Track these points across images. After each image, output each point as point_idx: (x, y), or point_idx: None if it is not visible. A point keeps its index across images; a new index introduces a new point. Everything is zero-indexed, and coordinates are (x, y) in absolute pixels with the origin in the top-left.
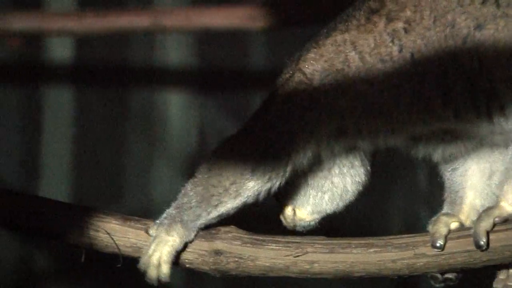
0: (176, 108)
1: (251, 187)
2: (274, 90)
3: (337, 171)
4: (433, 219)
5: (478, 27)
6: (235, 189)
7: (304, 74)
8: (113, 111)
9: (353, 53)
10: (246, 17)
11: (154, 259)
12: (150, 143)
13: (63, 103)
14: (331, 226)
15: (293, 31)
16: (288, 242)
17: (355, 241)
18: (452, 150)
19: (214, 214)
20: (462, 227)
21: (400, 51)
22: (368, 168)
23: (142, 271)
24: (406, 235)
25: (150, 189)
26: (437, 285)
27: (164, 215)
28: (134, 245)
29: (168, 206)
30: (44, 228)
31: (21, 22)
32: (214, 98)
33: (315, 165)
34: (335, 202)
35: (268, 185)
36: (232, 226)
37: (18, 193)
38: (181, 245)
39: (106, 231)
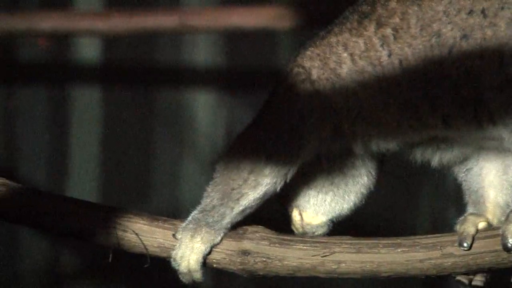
0: (204, 108)
1: (268, 173)
2: (276, 83)
3: (337, 171)
4: (460, 219)
5: (464, 37)
6: (253, 178)
7: (303, 67)
8: (140, 111)
9: (345, 55)
10: (273, 16)
11: (183, 267)
12: (178, 142)
13: (91, 103)
14: (358, 226)
15: (320, 30)
16: (315, 242)
17: (382, 241)
18: (449, 156)
19: (237, 209)
20: (489, 226)
21: (389, 56)
22: (372, 170)
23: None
24: (433, 235)
25: (177, 189)
26: None
27: (190, 218)
28: (162, 245)
29: (194, 208)
30: (72, 228)
31: (49, 22)
32: (242, 97)
33: (315, 165)
34: (339, 204)
35: (284, 171)
36: (260, 226)
37: (46, 193)
38: (208, 250)
39: (133, 231)
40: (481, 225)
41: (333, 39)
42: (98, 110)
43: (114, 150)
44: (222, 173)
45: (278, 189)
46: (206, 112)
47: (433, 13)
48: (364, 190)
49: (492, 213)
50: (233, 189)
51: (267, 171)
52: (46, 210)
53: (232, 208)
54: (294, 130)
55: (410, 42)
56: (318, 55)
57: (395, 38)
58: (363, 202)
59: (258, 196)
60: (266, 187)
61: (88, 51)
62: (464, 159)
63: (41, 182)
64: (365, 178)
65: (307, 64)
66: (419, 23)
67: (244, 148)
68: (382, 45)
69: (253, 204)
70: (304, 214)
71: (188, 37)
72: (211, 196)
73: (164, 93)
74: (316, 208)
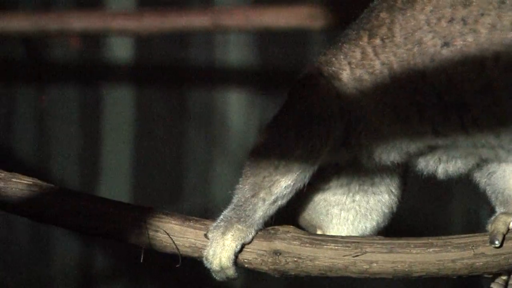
0: (236, 108)
1: (299, 155)
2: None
3: (357, 188)
4: (491, 218)
5: (445, 44)
6: (284, 163)
7: (319, 71)
8: (173, 110)
9: (345, 62)
10: (305, 16)
11: (216, 265)
12: (210, 142)
13: (123, 102)
14: (389, 226)
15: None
16: (347, 242)
17: (414, 241)
18: (453, 168)
19: (269, 199)
20: None
21: (381, 65)
22: (393, 188)
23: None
24: (465, 235)
25: (210, 189)
26: None
27: (221, 217)
28: (193, 245)
29: (225, 208)
30: (104, 228)
31: (81, 22)
32: (274, 97)
33: (334, 180)
34: (361, 223)
35: (312, 158)
36: (291, 226)
37: (78, 193)
38: (239, 247)
39: (165, 231)
40: None
41: (339, 46)
42: (130, 110)
43: (146, 150)
44: (252, 165)
45: (307, 180)
46: (238, 112)
47: (415, 22)
48: (386, 210)
49: None
50: (264, 177)
51: (297, 152)
52: (78, 210)
53: (264, 200)
54: (316, 123)
55: (395, 51)
56: (327, 62)
57: (382, 47)
58: (386, 223)
59: (289, 183)
60: (297, 173)
61: (120, 50)
62: (482, 164)
63: (73, 182)
64: (386, 196)
65: (320, 69)
66: (402, 32)
67: (272, 138)
68: (375, 55)
69: (284, 192)
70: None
71: (220, 37)
72: (242, 190)
73: (196, 93)
74: (339, 228)
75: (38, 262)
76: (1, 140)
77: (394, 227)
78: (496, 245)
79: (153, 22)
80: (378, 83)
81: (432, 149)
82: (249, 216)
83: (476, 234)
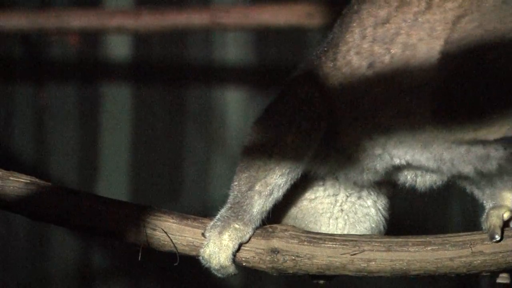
0: (235, 106)
1: (291, 141)
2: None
3: (344, 198)
4: (483, 216)
5: (370, 65)
6: (277, 151)
7: (315, 67)
8: (171, 109)
9: (330, 64)
10: (304, 14)
11: (215, 265)
12: (208, 141)
13: (121, 101)
14: (388, 224)
15: None
16: (345, 240)
17: (412, 239)
18: (429, 181)
19: (266, 190)
20: None
21: (335, 83)
22: (380, 206)
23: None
24: (463, 233)
25: (208, 187)
26: None
27: (218, 216)
28: (191, 244)
29: (223, 205)
30: (102, 226)
31: (80, 20)
32: (272, 95)
33: (320, 191)
34: (351, 232)
35: (305, 146)
36: (289, 225)
37: (76, 192)
38: (236, 247)
39: (163, 230)
40: (506, 215)
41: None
42: (128, 108)
43: (144, 148)
44: (245, 159)
45: (300, 171)
46: (236, 110)
47: (351, 39)
48: (373, 225)
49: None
50: (259, 167)
51: (289, 138)
52: (76, 208)
53: (260, 192)
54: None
55: (336, 73)
56: (313, 61)
57: (342, 58)
58: None
59: (284, 171)
60: (291, 161)
61: (119, 49)
62: (445, 180)
63: (72, 181)
64: (373, 211)
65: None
66: (344, 47)
67: (264, 129)
68: (331, 73)
69: (280, 182)
70: None
71: (219, 35)
72: (237, 186)
73: (195, 91)
74: None
75: (36, 261)
76: (0, 138)
77: (392, 226)
78: (497, 239)
79: (152, 21)
80: (337, 101)
81: (399, 168)
82: (246, 211)
83: (474, 232)
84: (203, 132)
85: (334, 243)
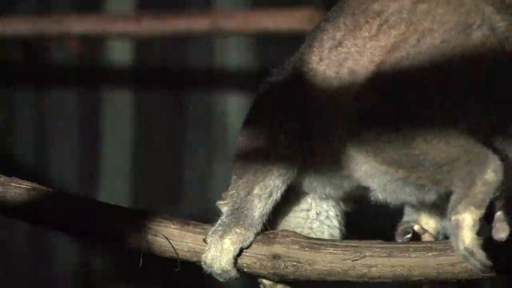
0: (236, 111)
1: (283, 140)
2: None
3: (314, 216)
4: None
5: (323, 89)
6: (272, 152)
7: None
8: (172, 114)
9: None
10: (304, 19)
11: (217, 269)
12: (209, 146)
13: (122, 106)
14: (388, 230)
15: None
16: (346, 246)
17: (413, 245)
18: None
19: (265, 192)
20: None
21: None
22: (343, 227)
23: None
24: None
25: (209, 192)
26: None
27: (219, 222)
28: (192, 250)
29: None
30: (103, 232)
31: (80, 25)
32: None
33: (296, 205)
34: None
35: (299, 138)
36: (290, 231)
37: (77, 197)
38: (237, 251)
39: (164, 236)
40: (417, 227)
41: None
42: (129, 113)
43: (145, 153)
44: (240, 166)
45: (296, 170)
46: (237, 115)
47: (310, 61)
48: (336, 234)
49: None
50: (256, 170)
51: (282, 137)
52: (77, 214)
53: (260, 196)
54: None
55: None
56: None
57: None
58: None
59: (282, 171)
60: (286, 162)
61: (120, 54)
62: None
63: (72, 186)
64: (338, 233)
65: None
66: (309, 68)
67: (255, 131)
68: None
69: (278, 183)
70: None
71: (220, 40)
72: (236, 193)
73: (196, 96)
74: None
75: (38, 266)
76: (0, 144)
77: (393, 231)
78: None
79: (152, 26)
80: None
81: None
82: (247, 216)
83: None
84: (204, 138)
85: (335, 249)
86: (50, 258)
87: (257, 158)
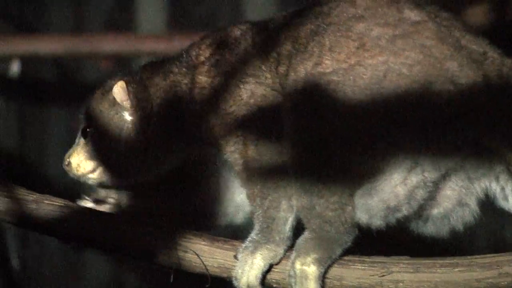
0: None
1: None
2: None
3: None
4: None
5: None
6: (290, 163)
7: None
8: None
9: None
10: None
11: (243, 284)
12: None
13: None
14: (415, 246)
15: None
16: (373, 262)
17: (440, 261)
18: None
19: (292, 207)
20: None
21: None
22: None
23: None
24: (490, 255)
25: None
26: None
27: (249, 239)
28: (222, 266)
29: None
30: (134, 249)
31: (113, 44)
32: None
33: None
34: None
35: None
36: None
37: (109, 215)
38: (267, 267)
39: (194, 252)
40: None
41: None
42: None
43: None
44: (257, 185)
45: None
46: None
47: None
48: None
49: None
50: (278, 187)
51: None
52: (109, 231)
53: (288, 210)
54: None
55: None
56: None
57: None
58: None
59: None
60: (300, 168)
61: None
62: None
63: None
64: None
65: None
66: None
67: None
68: None
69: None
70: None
71: None
72: (261, 213)
73: None
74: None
75: (70, 283)
76: (34, 162)
77: (420, 247)
78: None
79: (183, 44)
80: None
81: None
82: (277, 232)
83: (501, 253)
84: None
85: (363, 264)
86: (82, 275)
87: (275, 175)
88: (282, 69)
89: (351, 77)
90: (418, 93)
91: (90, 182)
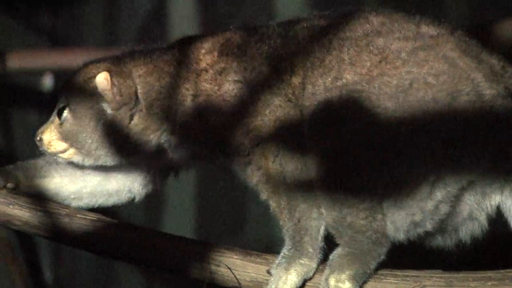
0: None
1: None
2: None
3: None
4: None
5: None
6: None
7: None
8: None
9: None
10: None
11: None
12: None
13: None
14: (448, 260)
15: None
16: (406, 276)
17: (472, 275)
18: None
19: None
20: None
21: None
22: None
23: None
24: None
25: (270, 223)
26: None
27: (282, 254)
28: (254, 280)
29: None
30: (167, 262)
31: None
32: None
33: None
34: None
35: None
36: None
37: (141, 228)
38: (300, 282)
39: (227, 266)
40: None
41: None
42: None
43: (208, 184)
44: (284, 199)
45: None
46: None
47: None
48: None
49: None
50: (305, 199)
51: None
52: (141, 245)
53: (318, 219)
54: None
55: None
56: None
57: None
58: None
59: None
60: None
61: None
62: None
63: (137, 217)
64: None
65: None
66: None
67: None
68: None
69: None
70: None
71: None
72: (292, 226)
73: None
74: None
75: None
76: None
77: (452, 261)
78: None
79: None
80: None
81: None
82: (309, 243)
83: None
84: None
85: (395, 278)
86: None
87: (303, 187)
88: (296, 80)
89: (376, 85)
90: (445, 102)
91: (60, 160)
